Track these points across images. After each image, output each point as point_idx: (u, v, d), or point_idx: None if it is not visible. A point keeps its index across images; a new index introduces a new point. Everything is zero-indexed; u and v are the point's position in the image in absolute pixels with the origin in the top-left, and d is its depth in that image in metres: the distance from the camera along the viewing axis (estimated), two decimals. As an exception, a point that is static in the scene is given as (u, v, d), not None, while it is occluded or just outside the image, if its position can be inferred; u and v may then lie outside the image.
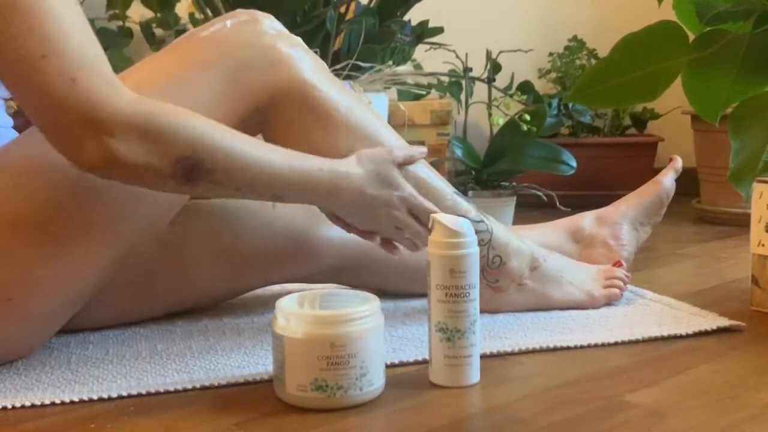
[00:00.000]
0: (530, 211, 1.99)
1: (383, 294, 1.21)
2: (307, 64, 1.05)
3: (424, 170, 1.11)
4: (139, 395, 0.92)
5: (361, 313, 0.87)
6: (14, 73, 0.82)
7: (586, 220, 1.37)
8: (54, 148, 0.85)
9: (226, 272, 1.19)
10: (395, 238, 1.06)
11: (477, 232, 1.12)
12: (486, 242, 1.15)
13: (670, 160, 1.42)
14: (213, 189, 0.91)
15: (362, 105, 1.11)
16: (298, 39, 1.09)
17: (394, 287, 1.26)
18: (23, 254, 0.93)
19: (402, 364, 1.00)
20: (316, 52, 1.12)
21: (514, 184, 2.00)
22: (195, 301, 1.20)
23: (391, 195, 1.02)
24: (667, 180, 1.39)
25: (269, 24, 1.06)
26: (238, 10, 1.07)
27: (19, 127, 1.09)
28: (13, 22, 0.79)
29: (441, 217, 0.94)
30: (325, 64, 1.11)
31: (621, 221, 1.36)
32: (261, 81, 1.03)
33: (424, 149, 1.10)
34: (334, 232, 1.18)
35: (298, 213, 1.19)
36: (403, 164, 1.05)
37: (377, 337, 0.88)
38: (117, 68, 0.89)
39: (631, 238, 1.36)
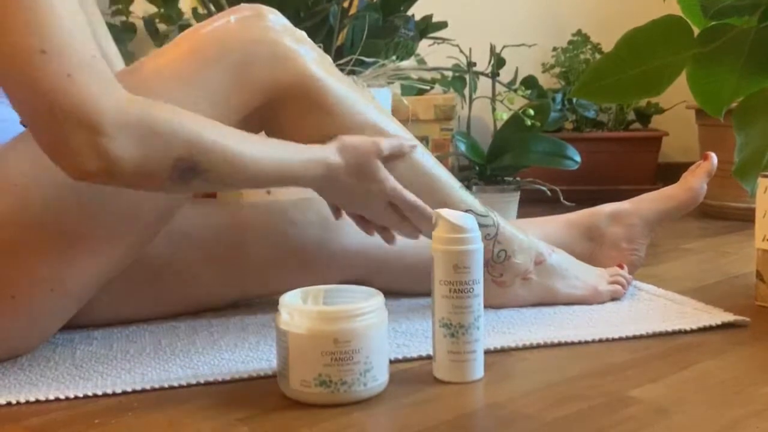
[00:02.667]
0: (534, 206, 1.99)
1: (395, 294, 1.21)
2: (312, 60, 1.05)
3: (431, 164, 1.11)
4: (143, 391, 0.92)
5: (365, 308, 0.87)
6: (10, 66, 0.80)
7: (602, 217, 1.32)
8: (44, 151, 0.83)
9: (233, 282, 1.18)
10: (390, 225, 1.08)
11: (483, 226, 1.12)
12: (492, 237, 1.15)
13: (704, 158, 1.34)
14: (203, 187, 0.91)
15: (368, 100, 1.11)
16: (303, 34, 1.08)
17: (411, 289, 1.25)
18: (26, 252, 0.93)
19: (406, 360, 1.00)
20: (319, 47, 1.11)
21: (518, 179, 2.00)
22: (200, 305, 1.20)
23: (369, 188, 1.03)
24: (700, 187, 1.32)
25: (274, 19, 1.06)
26: (243, 5, 1.07)
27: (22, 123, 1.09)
28: (14, 15, 0.79)
29: (445, 212, 0.94)
30: (330, 59, 1.11)
31: (638, 223, 1.31)
32: (266, 76, 1.02)
33: (414, 142, 1.10)
34: (345, 248, 1.18)
35: (311, 227, 1.19)
36: (389, 157, 1.05)
37: (381, 332, 0.88)
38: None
39: (645, 241, 1.32)
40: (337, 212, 1.11)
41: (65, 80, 0.79)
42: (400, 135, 1.10)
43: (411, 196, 1.05)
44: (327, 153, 1.01)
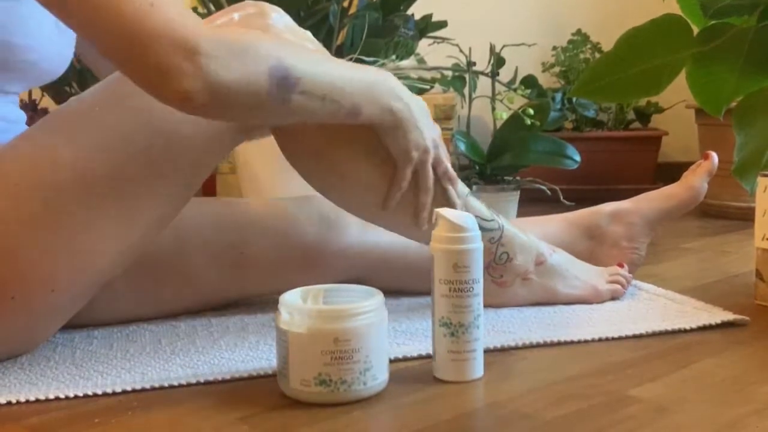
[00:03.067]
0: (534, 205, 1.99)
1: (395, 293, 1.21)
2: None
3: None
4: (144, 390, 0.92)
5: (365, 308, 0.87)
6: (92, 6, 0.80)
7: (603, 216, 1.33)
8: (145, 84, 0.84)
9: (233, 281, 1.18)
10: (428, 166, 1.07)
11: (489, 230, 1.12)
12: (496, 240, 1.14)
13: (705, 157, 1.34)
14: (304, 104, 0.91)
15: None
16: (307, 32, 1.08)
17: (411, 289, 1.25)
18: (26, 252, 0.93)
19: (406, 359, 1.00)
20: (320, 46, 1.11)
21: (518, 178, 2.00)
22: (200, 304, 1.20)
23: (436, 134, 1.08)
24: (701, 186, 1.32)
25: (277, 17, 1.05)
26: (246, 2, 1.07)
27: (28, 122, 1.10)
28: None
29: (445, 211, 0.94)
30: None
31: (639, 222, 1.32)
32: None
33: (453, 174, 1.11)
34: (346, 247, 1.18)
35: (312, 226, 1.19)
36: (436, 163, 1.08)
37: (381, 331, 0.88)
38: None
39: (645, 240, 1.33)
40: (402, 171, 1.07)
41: (148, 8, 0.80)
42: None
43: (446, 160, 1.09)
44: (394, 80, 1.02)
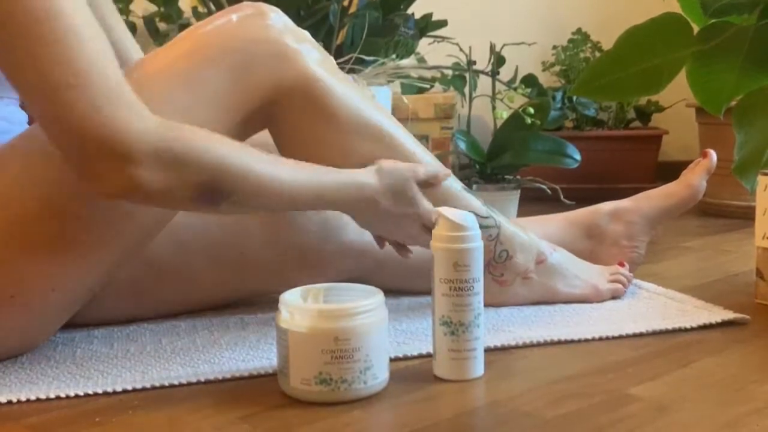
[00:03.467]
0: (534, 204, 1.99)
1: (396, 292, 1.21)
2: (314, 59, 1.05)
3: (433, 166, 1.11)
4: (144, 389, 0.92)
5: (365, 306, 0.87)
6: (39, 100, 0.81)
7: (603, 215, 1.33)
8: (75, 175, 0.85)
9: (233, 281, 1.18)
10: (408, 243, 1.07)
11: (486, 227, 1.12)
12: (494, 237, 1.14)
13: (704, 155, 1.34)
14: (233, 209, 0.92)
15: (368, 100, 1.10)
16: (306, 33, 1.08)
17: (411, 288, 1.25)
18: (25, 252, 0.93)
19: (406, 358, 1.01)
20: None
21: (518, 177, 2.00)
22: (200, 304, 1.20)
23: (405, 211, 1.02)
24: (700, 184, 1.33)
25: (276, 18, 1.05)
26: (244, 3, 1.06)
27: (30, 123, 1.10)
28: (42, 48, 0.79)
29: (445, 210, 0.94)
30: (332, 58, 1.11)
31: (638, 221, 1.32)
32: (267, 76, 1.02)
33: (448, 171, 1.10)
34: (346, 245, 1.18)
35: (310, 226, 1.19)
36: (425, 185, 1.04)
37: (381, 330, 0.88)
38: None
39: (645, 239, 1.33)
40: (381, 241, 1.10)
41: (94, 113, 0.80)
42: (400, 135, 1.10)
43: None
44: (363, 175, 1.00)
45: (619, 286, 1.24)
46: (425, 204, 1.03)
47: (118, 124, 0.81)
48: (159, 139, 0.84)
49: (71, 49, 0.80)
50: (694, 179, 1.33)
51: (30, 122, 1.09)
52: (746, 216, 1.83)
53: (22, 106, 1.09)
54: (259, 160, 0.91)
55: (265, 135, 1.08)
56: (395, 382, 0.91)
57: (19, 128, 1.06)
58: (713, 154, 1.34)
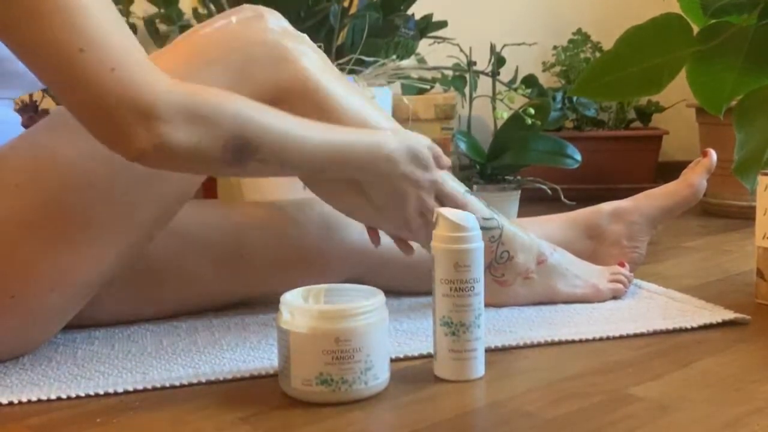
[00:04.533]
0: (535, 204, 1.99)
1: (396, 293, 1.21)
2: (312, 61, 1.05)
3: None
4: (145, 390, 0.92)
5: (366, 307, 0.87)
6: (53, 68, 0.81)
7: (603, 215, 1.33)
8: (101, 141, 0.84)
9: (233, 282, 1.18)
10: (415, 227, 1.06)
11: (488, 228, 1.13)
12: (496, 239, 1.14)
13: (704, 154, 1.34)
14: (259, 168, 0.91)
15: (367, 101, 1.11)
16: (304, 35, 1.09)
17: (411, 288, 1.25)
18: (25, 252, 0.93)
19: (407, 358, 1.01)
20: (319, 47, 1.11)
21: (519, 177, 2.00)
22: (201, 305, 1.20)
23: (423, 176, 1.03)
24: (700, 183, 1.33)
25: (274, 20, 1.06)
26: (243, 6, 1.07)
27: (25, 124, 1.10)
28: (50, 16, 0.79)
29: (445, 211, 0.94)
30: (330, 60, 1.11)
31: (639, 221, 1.32)
32: (266, 78, 1.03)
33: (449, 161, 1.10)
34: (347, 247, 1.18)
35: (311, 226, 1.19)
36: (435, 157, 1.05)
37: (382, 331, 0.89)
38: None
39: (646, 239, 1.33)
40: (375, 236, 1.10)
41: (109, 75, 0.80)
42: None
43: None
44: (383, 135, 1.01)
45: (620, 286, 1.24)
46: (439, 173, 1.04)
47: (135, 82, 0.81)
48: (185, 94, 0.84)
49: (79, 15, 0.80)
50: (695, 178, 1.34)
51: (24, 124, 1.09)
52: (747, 216, 1.83)
53: (18, 109, 1.10)
54: (284, 117, 0.92)
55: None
56: (396, 382, 0.91)
57: (12, 128, 1.06)
58: (713, 154, 1.34)
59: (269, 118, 0.90)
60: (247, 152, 0.88)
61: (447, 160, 1.08)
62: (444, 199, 1.07)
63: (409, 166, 1.01)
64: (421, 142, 1.04)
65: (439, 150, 1.07)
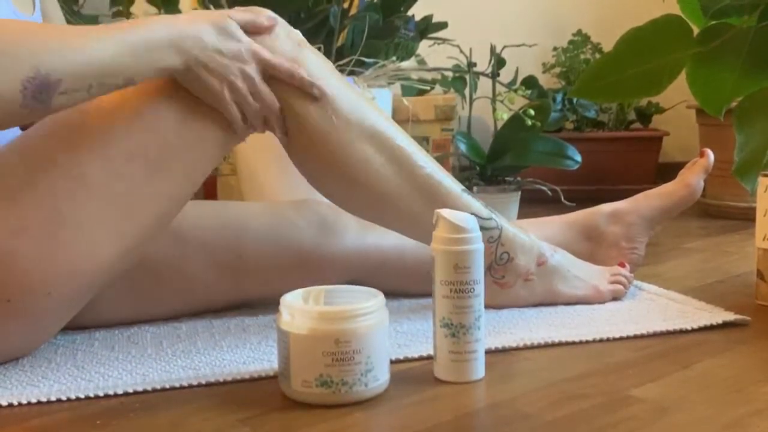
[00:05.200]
0: (535, 205, 1.99)
1: (396, 294, 1.21)
2: (312, 62, 1.05)
3: (432, 169, 1.10)
4: (145, 392, 0.92)
5: (366, 309, 0.87)
6: None
7: (602, 217, 1.33)
8: None
9: (232, 284, 1.18)
10: (252, 109, 1.00)
11: (487, 229, 1.12)
12: (495, 239, 1.14)
13: (701, 155, 1.35)
14: (66, 100, 0.87)
15: (366, 101, 1.11)
16: (302, 39, 1.08)
17: (410, 290, 1.25)
18: (22, 256, 0.93)
19: (407, 360, 1.01)
20: (319, 48, 1.12)
21: (519, 178, 2.00)
22: (200, 307, 1.20)
23: (238, 47, 0.97)
24: (697, 183, 1.33)
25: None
26: (239, 8, 1.07)
27: (22, 126, 1.10)
28: None
29: (445, 212, 0.94)
30: (329, 60, 1.11)
31: (637, 222, 1.32)
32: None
33: (270, 13, 1.02)
34: (345, 250, 1.18)
35: (311, 229, 1.19)
36: (243, 27, 0.99)
37: (382, 332, 0.88)
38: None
39: (644, 240, 1.33)
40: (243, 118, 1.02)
41: None
42: (400, 137, 1.10)
43: (285, 61, 1.00)
44: (182, 18, 0.94)
45: (620, 287, 1.24)
46: (252, 42, 0.98)
47: None
48: None
49: None
50: (692, 178, 1.34)
51: (21, 127, 1.09)
52: (747, 217, 1.83)
53: None
54: (79, 37, 0.87)
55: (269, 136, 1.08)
56: (396, 384, 0.91)
57: (10, 131, 1.06)
58: (710, 154, 1.35)
59: (63, 42, 0.85)
60: (48, 90, 0.83)
61: (262, 21, 1.01)
62: (273, 69, 1.00)
63: (212, 37, 0.95)
64: (223, 14, 0.98)
65: (248, 16, 1.00)
